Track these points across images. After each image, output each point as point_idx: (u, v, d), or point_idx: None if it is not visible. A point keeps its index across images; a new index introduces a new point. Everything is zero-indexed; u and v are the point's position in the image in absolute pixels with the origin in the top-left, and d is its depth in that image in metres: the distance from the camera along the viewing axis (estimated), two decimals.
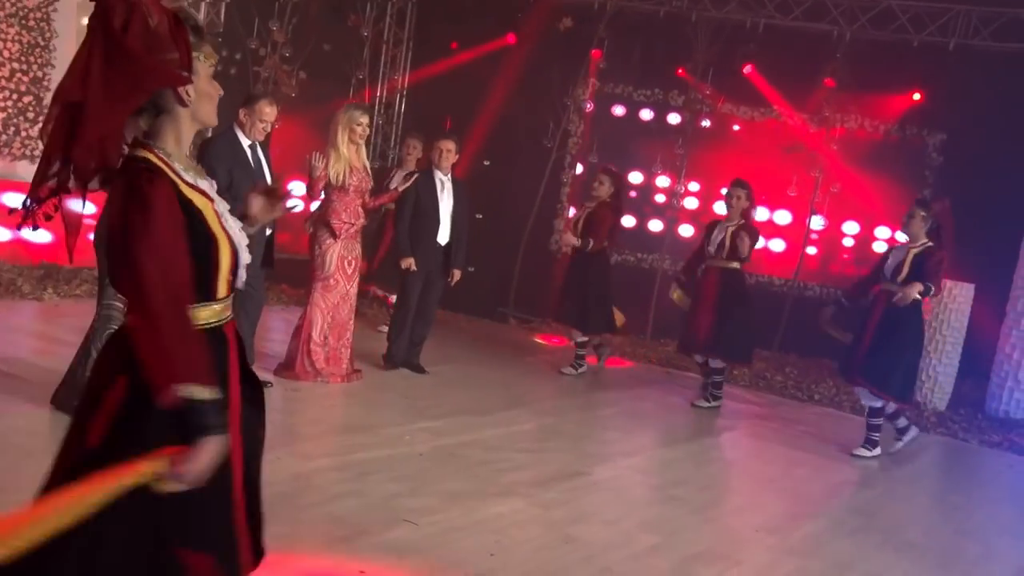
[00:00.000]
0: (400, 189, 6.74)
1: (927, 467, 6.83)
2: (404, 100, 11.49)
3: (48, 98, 8.80)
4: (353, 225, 6.34)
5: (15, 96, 8.58)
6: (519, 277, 10.45)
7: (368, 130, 6.37)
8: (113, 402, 2.05)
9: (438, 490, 4.54)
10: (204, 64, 2.21)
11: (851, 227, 10.00)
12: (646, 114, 10.33)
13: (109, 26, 2.01)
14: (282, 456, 4.66)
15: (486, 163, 10.89)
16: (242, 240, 2.24)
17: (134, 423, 2.01)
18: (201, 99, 2.20)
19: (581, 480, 5.08)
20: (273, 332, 6.94)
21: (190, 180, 2.13)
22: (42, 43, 8.74)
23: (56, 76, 8.86)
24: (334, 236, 6.27)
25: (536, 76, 10.40)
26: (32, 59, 8.67)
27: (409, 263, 6.79)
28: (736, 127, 10.08)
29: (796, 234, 10.08)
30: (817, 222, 9.92)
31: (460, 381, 7.08)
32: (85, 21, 9.16)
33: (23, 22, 8.60)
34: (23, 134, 8.59)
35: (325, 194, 6.29)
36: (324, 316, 6.30)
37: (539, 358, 8.53)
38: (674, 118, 10.10)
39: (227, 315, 2.23)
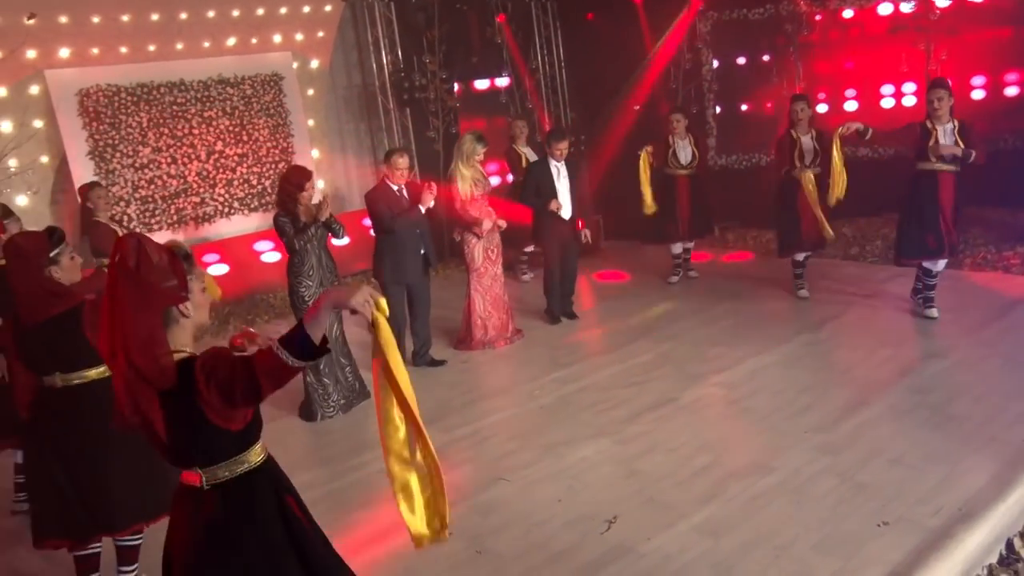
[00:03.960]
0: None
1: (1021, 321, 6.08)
2: (563, 71, 11.55)
3: (294, 160, 10.00)
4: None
5: (272, 164, 9.83)
6: None
7: (484, 156, 6.73)
8: None
9: (541, 443, 4.93)
10: (196, 283, 2.44)
11: (978, 80, 8.77)
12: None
13: (126, 265, 2.34)
14: (430, 432, 5.14)
15: (636, 108, 10.78)
16: None
17: None
18: (197, 309, 2.45)
19: (668, 408, 5.24)
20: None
21: None
22: (281, 121, 9.88)
23: (296, 144, 10.01)
24: (477, 236, 6.76)
25: (655, 25, 10.11)
26: (278, 136, 9.85)
27: (556, 205, 6.98)
28: (839, 20, 9.15)
29: (920, 105, 9.00)
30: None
31: (601, 321, 7.35)
32: (311, 92, 10.23)
33: (267, 111, 9.78)
34: None
35: (460, 206, 6.78)
36: (483, 297, 6.82)
37: (683, 277, 8.35)
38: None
39: None
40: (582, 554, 3.74)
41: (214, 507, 2.40)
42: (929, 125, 5.95)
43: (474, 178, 6.67)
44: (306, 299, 5.65)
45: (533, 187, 7.09)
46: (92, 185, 6.79)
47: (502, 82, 10.82)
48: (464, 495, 4.39)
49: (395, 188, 6.27)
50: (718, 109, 10.16)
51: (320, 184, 10.28)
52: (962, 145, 5.83)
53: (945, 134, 5.88)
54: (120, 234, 6.46)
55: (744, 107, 10.18)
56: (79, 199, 7.00)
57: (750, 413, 5.09)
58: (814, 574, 3.45)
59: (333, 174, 10.60)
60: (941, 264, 6.17)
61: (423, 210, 6.21)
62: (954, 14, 8.39)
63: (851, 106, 9.37)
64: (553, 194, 7.07)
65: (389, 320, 6.21)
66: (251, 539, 2.41)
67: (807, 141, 6.80)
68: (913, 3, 8.53)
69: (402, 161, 6.26)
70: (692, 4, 9.81)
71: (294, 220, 5.57)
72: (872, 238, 8.43)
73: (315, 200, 5.64)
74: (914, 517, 3.73)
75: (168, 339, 2.37)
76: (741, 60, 10.14)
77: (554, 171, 7.12)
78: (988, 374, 5.21)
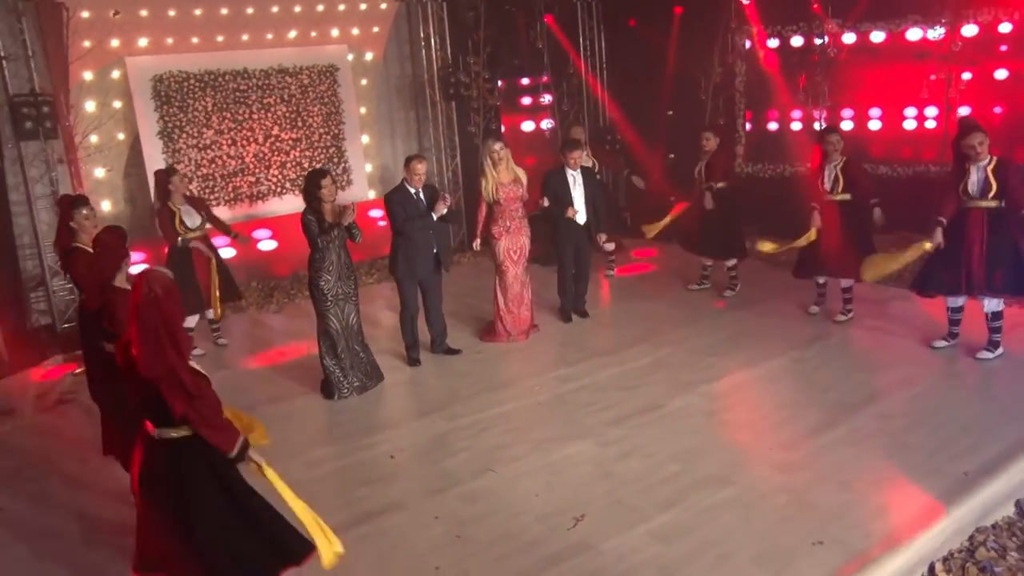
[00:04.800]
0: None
1: (1010, 356, 6.10)
2: (606, 73, 11.75)
3: (344, 145, 10.45)
4: (510, 227, 7.09)
5: (323, 149, 10.31)
6: None
7: (504, 152, 7.00)
8: None
9: (532, 438, 5.29)
10: None
11: (997, 109, 8.72)
12: (796, 41, 9.71)
13: (155, 293, 3.05)
14: (436, 420, 5.72)
15: (670, 112, 10.97)
16: None
17: None
18: None
19: (654, 414, 5.51)
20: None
21: None
22: (334, 110, 10.32)
23: (347, 131, 10.46)
24: (497, 238, 7.12)
25: (692, 38, 10.25)
26: (331, 123, 10.30)
27: (573, 212, 7.30)
28: (867, 45, 9.16)
29: (940, 128, 9.01)
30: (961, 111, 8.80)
31: (612, 321, 7.65)
32: (364, 82, 10.66)
33: (321, 99, 10.23)
34: (334, 173, 10.32)
35: (486, 208, 7.14)
36: (505, 293, 7.19)
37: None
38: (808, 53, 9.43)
39: None
40: (547, 547, 4.13)
41: (160, 453, 3.26)
42: (965, 166, 5.93)
43: (499, 181, 6.98)
44: (324, 291, 6.04)
45: (551, 194, 7.39)
46: (171, 171, 7.26)
47: (544, 82, 11.11)
48: (456, 482, 4.83)
49: (412, 192, 6.59)
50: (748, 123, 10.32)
51: (368, 168, 10.74)
52: (994, 184, 5.79)
53: (977, 171, 5.85)
54: (179, 216, 6.99)
55: (772, 119, 10.28)
56: (153, 181, 7.47)
57: (726, 426, 5.39)
58: None
59: (382, 157, 11.05)
60: (960, 300, 6.17)
61: (435, 217, 6.55)
62: (977, 44, 8.36)
63: (875, 125, 9.41)
64: (569, 201, 7.36)
65: (403, 309, 6.47)
66: (186, 462, 3.26)
67: (830, 169, 6.92)
68: (943, 30, 8.51)
69: (420, 167, 6.55)
70: (757, 25, 9.87)
71: (320, 220, 5.99)
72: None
73: (340, 202, 6.04)
74: (846, 539, 4.03)
75: None
76: (772, 74, 10.18)
77: (570, 179, 7.41)
78: (951, 404, 5.39)
